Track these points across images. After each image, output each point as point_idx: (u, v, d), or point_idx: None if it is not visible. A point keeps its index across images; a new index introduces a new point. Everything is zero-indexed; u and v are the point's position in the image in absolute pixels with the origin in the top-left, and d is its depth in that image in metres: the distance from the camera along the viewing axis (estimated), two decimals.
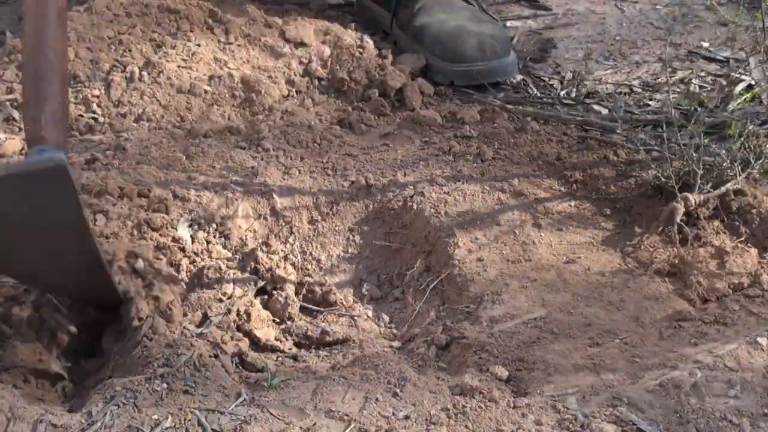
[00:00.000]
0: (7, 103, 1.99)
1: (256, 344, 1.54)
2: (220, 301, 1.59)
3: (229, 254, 1.69)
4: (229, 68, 2.09)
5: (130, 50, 2.07)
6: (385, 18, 2.32)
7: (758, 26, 1.88)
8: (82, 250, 1.42)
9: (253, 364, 1.45)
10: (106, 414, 1.28)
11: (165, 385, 1.34)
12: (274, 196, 1.79)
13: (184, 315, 1.56)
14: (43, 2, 1.43)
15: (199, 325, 1.55)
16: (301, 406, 1.31)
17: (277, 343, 1.54)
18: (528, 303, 1.55)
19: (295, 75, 2.12)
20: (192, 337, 1.49)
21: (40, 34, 1.42)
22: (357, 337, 1.59)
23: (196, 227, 1.71)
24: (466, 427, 1.29)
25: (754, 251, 1.64)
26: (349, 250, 1.76)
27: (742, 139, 1.73)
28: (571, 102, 2.15)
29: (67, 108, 1.48)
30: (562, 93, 2.18)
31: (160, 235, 1.67)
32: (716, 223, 1.70)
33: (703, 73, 2.24)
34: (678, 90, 2.12)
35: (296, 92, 2.10)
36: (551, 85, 2.23)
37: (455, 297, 1.61)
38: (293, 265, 1.71)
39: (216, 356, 1.43)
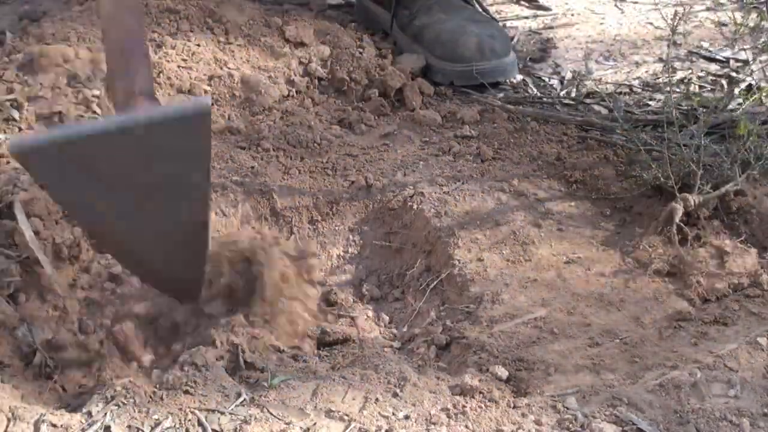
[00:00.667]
0: (7, 103, 1.99)
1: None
2: None
3: None
4: (229, 68, 2.09)
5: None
6: (385, 18, 2.32)
7: (764, 26, 1.88)
8: (197, 219, 1.32)
9: (253, 364, 1.45)
10: (106, 414, 1.28)
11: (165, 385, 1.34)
12: (274, 196, 1.79)
13: None
14: None
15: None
16: (301, 406, 1.31)
17: (278, 344, 1.54)
18: (528, 303, 1.55)
19: (295, 75, 2.12)
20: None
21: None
22: (357, 337, 1.59)
23: None
24: (466, 427, 1.29)
25: (754, 251, 1.64)
26: (349, 250, 1.76)
27: (751, 138, 1.72)
28: (571, 102, 2.15)
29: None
30: (562, 93, 2.18)
31: None
32: (716, 223, 1.70)
33: (703, 73, 2.24)
34: (678, 90, 2.12)
35: (296, 92, 2.10)
36: (551, 85, 2.23)
37: (455, 297, 1.61)
38: None
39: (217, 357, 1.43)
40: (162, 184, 1.28)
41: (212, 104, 1.26)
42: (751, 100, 1.97)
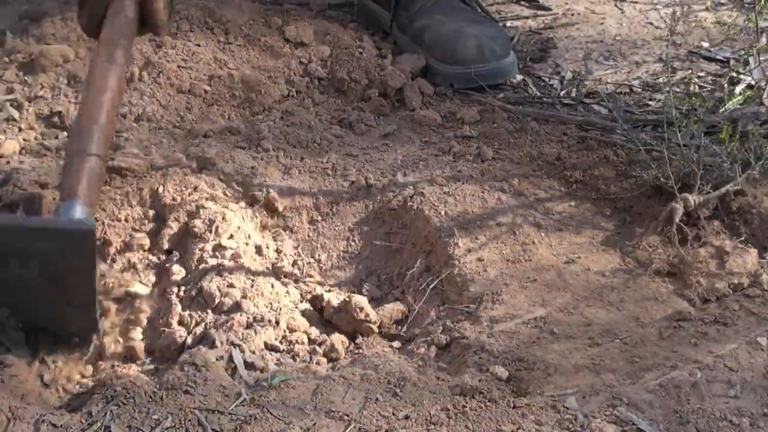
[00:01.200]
0: (7, 104, 1.99)
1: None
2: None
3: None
4: (229, 68, 2.09)
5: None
6: (385, 18, 2.32)
7: (754, 27, 1.88)
8: (83, 301, 1.49)
9: (253, 364, 1.45)
10: (106, 414, 1.28)
11: (165, 385, 1.34)
12: (274, 196, 1.79)
13: (189, 315, 1.56)
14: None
15: (199, 325, 1.55)
16: (301, 406, 1.31)
17: (278, 344, 1.54)
18: (528, 303, 1.55)
19: (295, 75, 2.12)
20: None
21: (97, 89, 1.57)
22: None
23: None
24: (466, 427, 1.29)
25: (754, 251, 1.64)
26: (349, 250, 1.76)
27: (734, 143, 1.73)
28: (571, 102, 2.15)
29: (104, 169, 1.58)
30: (562, 93, 2.18)
31: None
32: (716, 223, 1.70)
33: (703, 73, 2.24)
34: (678, 90, 2.12)
35: (296, 92, 2.10)
36: (551, 85, 2.23)
37: (455, 297, 1.61)
38: (293, 264, 1.72)
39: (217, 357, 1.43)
40: (47, 285, 1.46)
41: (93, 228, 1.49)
42: (742, 98, 1.97)
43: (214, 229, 1.68)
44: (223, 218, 1.70)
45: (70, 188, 1.48)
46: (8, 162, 1.84)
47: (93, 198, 1.51)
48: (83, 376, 1.51)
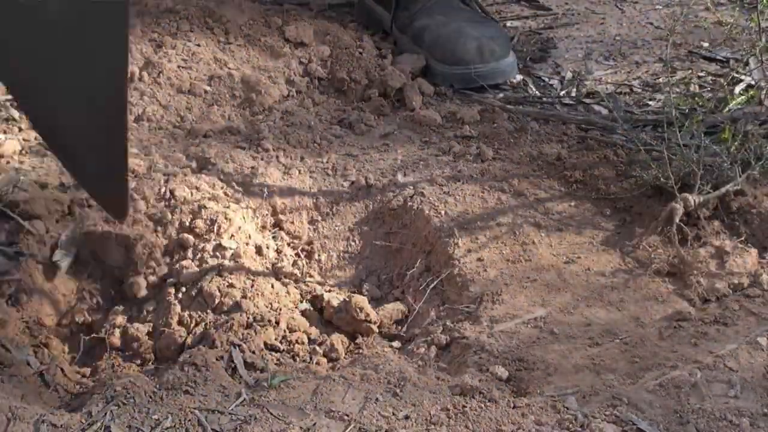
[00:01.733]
0: (7, 103, 1.99)
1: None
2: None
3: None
4: (229, 68, 2.09)
5: (129, 50, 2.06)
6: (385, 18, 2.32)
7: (756, 27, 1.88)
8: (112, 104, 1.22)
9: (253, 364, 1.45)
10: (106, 414, 1.28)
11: (165, 385, 1.34)
12: (274, 196, 1.79)
13: (188, 315, 1.56)
14: None
15: (199, 325, 1.55)
16: (301, 406, 1.31)
17: (278, 344, 1.54)
18: (528, 303, 1.55)
19: (295, 75, 2.12)
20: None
21: None
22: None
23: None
24: (466, 427, 1.29)
25: (754, 251, 1.64)
26: (349, 250, 1.76)
27: (736, 143, 1.73)
28: (571, 102, 2.15)
29: None
30: (562, 93, 2.18)
31: None
32: (716, 223, 1.70)
33: (703, 73, 2.23)
34: (678, 90, 2.12)
35: (296, 92, 2.10)
36: (551, 85, 2.22)
37: (455, 297, 1.61)
38: (293, 265, 1.72)
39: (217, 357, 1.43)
40: (78, 55, 1.19)
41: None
42: (733, 101, 1.97)
43: (215, 229, 1.68)
44: (225, 218, 1.70)
45: None
46: (8, 162, 1.84)
47: None
48: (83, 376, 1.51)
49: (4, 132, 1.94)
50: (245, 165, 1.85)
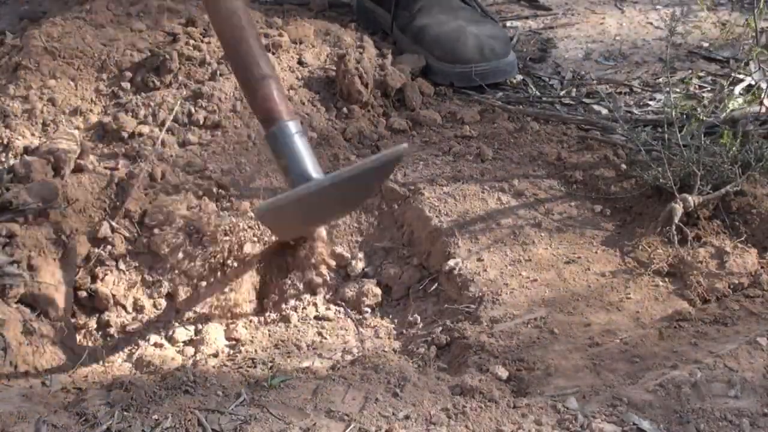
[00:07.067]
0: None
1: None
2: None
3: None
4: (229, 68, 2.08)
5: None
6: (385, 18, 2.32)
7: (755, 28, 1.88)
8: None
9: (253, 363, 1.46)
10: (106, 414, 1.28)
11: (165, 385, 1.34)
12: (275, 196, 1.79)
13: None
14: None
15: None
16: (301, 406, 1.31)
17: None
18: (528, 303, 1.55)
19: (295, 74, 2.12)
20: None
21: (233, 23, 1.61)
22: (357, 337, 1.59)
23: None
24: (466, 427, 1.29)
25: (754, 251, 1.64)
26: (350, 250, 1.76)
27: (736, 145, 1.73)
28: (571, 102, 2.15)
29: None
30: (562, 93, 2.18)
31: None
32: (716, 223, 1.70)
33: (703, 73, 2.24)
34: (678, 90, 2.12)
35: (296, 92, 2.10)
36: (551, 85, 2.22)
37: (455, 297, 1.61)
38: None
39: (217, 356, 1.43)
40: (347, 199, 1.67)
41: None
42: (733, 102, 1.96)
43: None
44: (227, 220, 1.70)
45: (271, 112, 1.57)
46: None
47: (290, 108, 1.61)
48: (83, 376, 1.51)
49: (4, 132, 1.93)
50: (245, 165, 1.84)
